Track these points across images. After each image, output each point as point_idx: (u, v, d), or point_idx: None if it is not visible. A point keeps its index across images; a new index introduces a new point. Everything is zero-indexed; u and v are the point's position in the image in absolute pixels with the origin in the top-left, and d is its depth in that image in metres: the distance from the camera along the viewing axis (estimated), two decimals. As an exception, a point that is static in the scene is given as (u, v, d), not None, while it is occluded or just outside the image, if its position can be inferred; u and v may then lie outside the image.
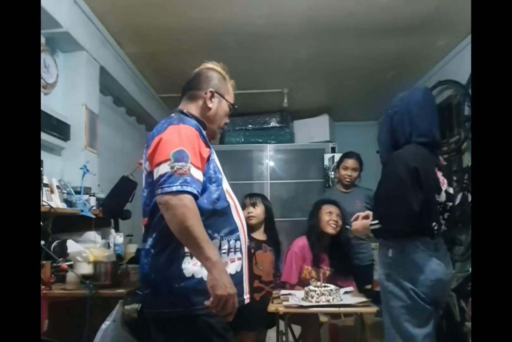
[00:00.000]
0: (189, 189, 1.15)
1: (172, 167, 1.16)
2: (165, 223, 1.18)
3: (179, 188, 1.14)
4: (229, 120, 1.52)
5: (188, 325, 1.22)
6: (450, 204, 1.68)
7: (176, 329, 1.23)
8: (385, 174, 1.67)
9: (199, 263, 1.20)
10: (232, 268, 1.29)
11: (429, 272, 1.55)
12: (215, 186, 1.31)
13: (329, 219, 2.50)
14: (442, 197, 1.65)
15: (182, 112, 1.39)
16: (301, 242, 2.52)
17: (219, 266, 1.16)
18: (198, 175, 1.20)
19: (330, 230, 2.49)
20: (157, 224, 1.25)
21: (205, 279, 1.18)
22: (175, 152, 1.18)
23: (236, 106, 1.50)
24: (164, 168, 1.17)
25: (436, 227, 1.59)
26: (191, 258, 1.23)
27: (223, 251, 1.28)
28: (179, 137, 1.23)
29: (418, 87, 1.86)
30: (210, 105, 1.42)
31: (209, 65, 1.49)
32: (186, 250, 1.22)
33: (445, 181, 1.69)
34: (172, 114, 1.38)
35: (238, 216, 1.37)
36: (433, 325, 1.60)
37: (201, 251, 1.14)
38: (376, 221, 1.60)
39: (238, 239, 1.33)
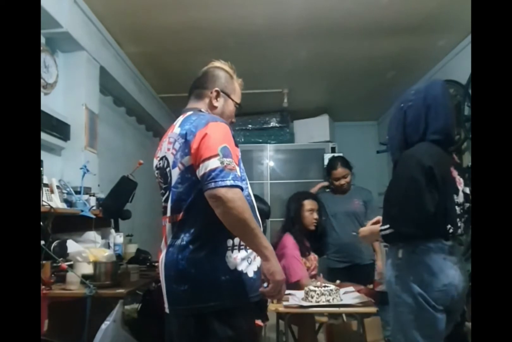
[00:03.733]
0: (239, 184, 1.19)
1: (222, 163, 1.18)
2: (206, 218, 1.22)
3: (232, 182, 1.17)
4: (235, 119, 1.53)
5: (226, 319, 1.23)
6: (468, 204, 1.57)
7: (216, 322, 1.22)
8: (397, 174, 1.55)
9: (239, 256, 1.26)
10: (258, 263, 1.31)
11: (442, 275, 1.44)
12: (245, 184, 1.34)
13: (311, 217, 2.61)
14: (460, 198, 1.55)
15: (200, 110, 1.41)
16: (291, 239, 2.55)
17: (274, 254, 1.23)
18: (238, 172, 1.23)
19: (313, 227, 2.63)
20: (196, 218, 1.26)
21: (244, 271, 1.26)
22: (222, 148, 1.21)
23: (241, 106, 1.51)
24: (214, 163, 1.18)
25: (451, 230, 1.48)
26: (232, 251, 1.26)
27: None
28: (222, 134, 1.26)
29: (436, 81, 1.70)
30: (216, 104, 1.44)
31: (217, 64, 1.50)
32: (229, 244, 1.26)
33: (462, 180, 1.58)
34: (191, 112, 1.38)
35: (258, 213, 1.39)
36: (443, 335, 1.49)
37: (259, 241, 1.20)
38: (387, 226, 1.47)
39: None
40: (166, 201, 1.35)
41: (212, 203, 1.18)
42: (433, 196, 1.43)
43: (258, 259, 1.31)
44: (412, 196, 1.44)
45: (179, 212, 1.28)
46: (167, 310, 1.30)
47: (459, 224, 1.52)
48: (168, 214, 1.32)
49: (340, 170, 3.07)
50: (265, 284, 1.24)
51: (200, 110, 1.40)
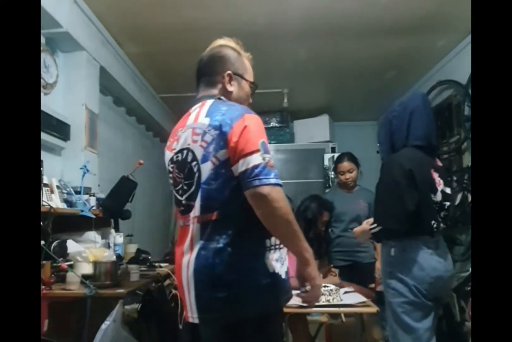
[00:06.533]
0: (280, 182, 1.11)
1: (263, 159, 1.10)
2: (244, 217, 1.13)
3: (275, 180, 1.09)
4: (251, 100, 1.42)
5: (264, 325, 1.15)
6: (448, 203, 1.77)
7: (260, 329, 1.14)
8: (381, 176, 1.75)
9: (275, 257, 1.18)
10: (287, 263, 1.25)
11: (430, 270, 1.64)
12: None
13: (323, 228, 2.69)
14: (438, 197, 1.74)
15: (219, 98, 1.29)
16: None
17: (313, 257, 1.17)
18: None
19: (319, 235, 2.70)
20: (233, 218, 1.15)
21: (280, 273, 1.18)
22: (262, 143, 1.12)
23: (257, 85, 1.40)
24: (257, 159, 1.09)
25: (435, 225, 1.67)
26: (269, 252, 1.17)
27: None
28: (260, 127, 1.17)
29: (417, 93, 1.97)
30: (230, 89, 1.33)
31: (221, 41, 1.37)
32: (267, 244, 1.17)
33: (441, 181, 1.77)
34: (212, 100, 1.26)
35: None
36: (433, 320, 1.67)
37: (301, 243, 1.14)
38: (375, 224, 1.68)
39: None
40: (190, 198, 1.21)
41: (255, 201, 1.09)
42: (413, 195, 1.62)
43: (286, 260, 1.24)
44: (393, 195, 1.64)
45: (211, 211, 1.16)
46: (194, 320, 1.17)
47: (439, 220, 1.71)
48: (197, 213, 1.18)
49: (346, 164, 3.08)
50: (302, 289, 1.19)
51: (220, 98, 1.29)
